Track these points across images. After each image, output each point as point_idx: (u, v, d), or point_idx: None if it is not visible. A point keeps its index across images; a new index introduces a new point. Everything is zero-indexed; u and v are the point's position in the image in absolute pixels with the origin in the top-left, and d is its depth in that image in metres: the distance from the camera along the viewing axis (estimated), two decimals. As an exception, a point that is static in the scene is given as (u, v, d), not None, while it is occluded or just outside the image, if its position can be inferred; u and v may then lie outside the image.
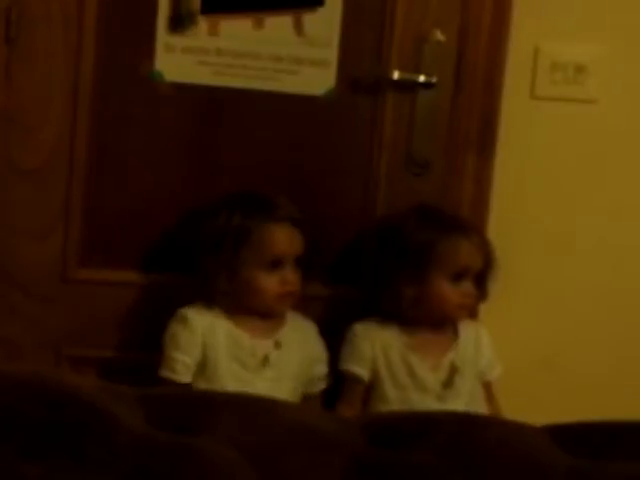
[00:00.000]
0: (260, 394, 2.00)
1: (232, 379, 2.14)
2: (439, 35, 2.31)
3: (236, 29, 2.28)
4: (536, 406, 2.27)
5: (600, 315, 2.49)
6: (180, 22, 2.26)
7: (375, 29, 2.31)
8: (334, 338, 2.26)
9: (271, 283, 2.17)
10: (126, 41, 2.26)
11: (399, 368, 2.21)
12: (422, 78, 2.29)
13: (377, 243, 2.28)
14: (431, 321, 2.25)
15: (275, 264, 2.17)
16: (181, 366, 2.14)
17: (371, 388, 2.23)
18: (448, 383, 2.22)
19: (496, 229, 2.35)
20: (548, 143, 2.42)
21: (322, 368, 2.25)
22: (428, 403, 2.17)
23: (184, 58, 2.27)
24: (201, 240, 2.18)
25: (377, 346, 2.22)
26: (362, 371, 2.22)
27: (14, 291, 2.28)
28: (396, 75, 2.29)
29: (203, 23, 2.27)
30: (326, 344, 2.27)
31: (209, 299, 2.18)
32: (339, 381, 2.26)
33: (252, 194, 2.22)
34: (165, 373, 2.15)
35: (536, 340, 2.47)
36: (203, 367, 2.15)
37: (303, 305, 2.27)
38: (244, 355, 2.16)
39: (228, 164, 2.33)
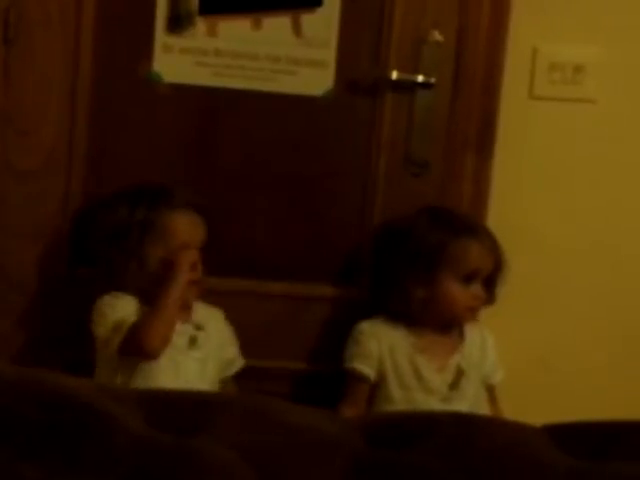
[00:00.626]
0: (189, 375, 2.11)
1: (165, 359, 2.12)
2: (437, 36, 2.31)
3: (234, 30, 2.28)
4: (535, 407, 2.27)
5: (598, 315, 2.48)
6: (178, 23, 2.25)
7: (373, 30, 2.31)
8: (340, 339, 2.26)
9: None
10: (124, 42, 2.26)
11: (405, 369, 2.20)
12: (420, 79, 2.29)
13: (387, 244, 2.28)
14: (439, 323, 2.25)
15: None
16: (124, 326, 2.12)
17: (376, 388, 2.22)
18: (454, 385, 2.21)
19: (495, 229, 2.34)
20: (546, 143, 2.42)
21: (233, 350, 2.25)
22: (433, 404, 2.17)
23: (182, 59, 2.27)
24: (103, 234, 2.17)
25: (384, 345, 2.22)
26: (368, 370, 2.21)
27: (10, 291, 2.28)
28: (394, 76, 2.29)
29: (201, 24, 2.27)
30: (332, 345, 2.27)
31: (121, 289, 2.16)
32: (343, 380, 2.24)
33: (150, 185, 2.21)
34: (113, 339, 2.12)
35: (534, 341, 2.47)
36: None
37: (308, 306, 2.28)
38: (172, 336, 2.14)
39: (226, 165, 2.33)
